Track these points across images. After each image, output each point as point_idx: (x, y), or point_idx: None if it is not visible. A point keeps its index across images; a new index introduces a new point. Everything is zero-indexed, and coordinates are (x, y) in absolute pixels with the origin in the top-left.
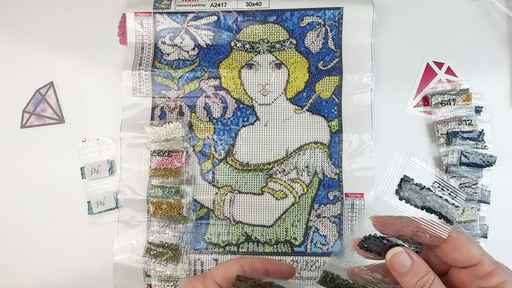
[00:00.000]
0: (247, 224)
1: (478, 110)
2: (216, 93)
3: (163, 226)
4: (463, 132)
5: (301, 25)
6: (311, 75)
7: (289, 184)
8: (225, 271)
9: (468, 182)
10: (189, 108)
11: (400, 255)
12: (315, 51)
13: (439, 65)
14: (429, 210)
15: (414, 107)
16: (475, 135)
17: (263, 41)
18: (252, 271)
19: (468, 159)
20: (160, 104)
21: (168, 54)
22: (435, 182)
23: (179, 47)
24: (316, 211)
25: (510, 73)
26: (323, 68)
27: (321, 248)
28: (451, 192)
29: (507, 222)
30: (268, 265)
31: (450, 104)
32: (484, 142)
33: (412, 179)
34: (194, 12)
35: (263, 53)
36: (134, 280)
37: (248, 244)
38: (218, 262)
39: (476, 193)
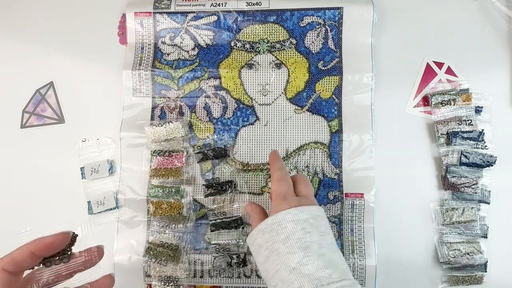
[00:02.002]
0: (247, 224)
1: (478, 110)
2: (216, 93)
3: (163, 226)
4: (463, 132)
5: (301, 25)
6: (311, 75)
7: None
8: (12, 257)
9: (468, 182)
10: (189, 108)
11: None
12: (315, 51)
13: (439, 65)
14: None
15: (414, 107)
16: (475, 135)
17: (263, 41)
18: (41, 251)
19: (468, 159)
20: (160, 104)
21: (168, 54)
22: None
23: (179, 47)
24: None
25: (510, 73)
26: (323, 68)
27: None
28: None
29: (507, 222)
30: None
31: (450, 104)
32: (484, 142)
33: None
34: (194, 12)
35: (263, 53)
36: (134, 280)
37: None
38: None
39: (476, 193)
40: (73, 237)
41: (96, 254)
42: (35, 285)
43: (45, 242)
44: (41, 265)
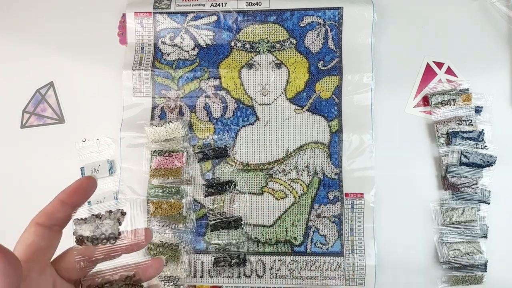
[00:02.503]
0: (247, 224)
1: (478, 110)
2: (216, 93)
3: (163, 226)
4: (463, 132)
5: (301, 25)
6: (311, 75)
7: (289, 184)
8: (44, 211)
9: (468, 182)
10: (189, 108)
11: None
12: (315, 51)
13: (439, 65)
14: None
15: (414, 107)
16: (475, 135)
17: (263, 41)
18: (70, 198)
19: (468, 159)
20: (160, 104)
21: (168, 54)
22: None
23: (179, 47)
24: (316, 211)
25: (510, 73)
26: (323, 68)
27: (321, 248)
28: None
29: (507, 222)
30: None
31: (450, 104)
32: (484, 142)
33: None
34: (194, 12)
35: (263, 53)
36: None
37: (248, 244)
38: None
39: (476, 193)
40: (121, 215)
41: (143, 238)
42: (82, 262)
43: (71, 188)
44: (90, 244)
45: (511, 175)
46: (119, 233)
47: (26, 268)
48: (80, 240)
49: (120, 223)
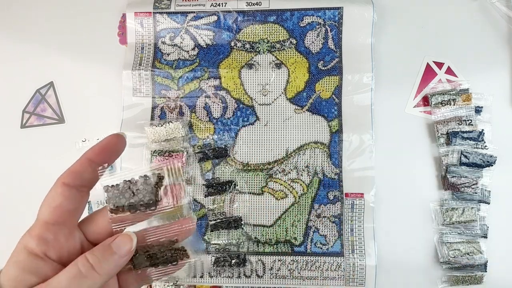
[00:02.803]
0: (247, 224)
1: (478, 110)
2: (216, 93)
3: None
4: (463, 132)
5: (301, 25)
6: (311, 75)
7: (289, 184)
8: (71, 169)
9: (468, 182)
10: (189, 108)
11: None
12: (315, 51)
13: (439, 65)
14: None
15: (414, 107)
16: (475, 135)
17: (263, 41)
18: (98, 156)
19: (468, 159)
20: (160, 104)
21: (168, 54)
22: None
23: (179, 47)
24: (316, 211)
25: (510, 73)
26: (323, 68)
27: (321, 248)
28: None
29: (507, 222)
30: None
31: (450, 104)
32: (484, 142)
33: None
34: (194, 12)
35: (263, 53)
36: None
37: (248, 244)
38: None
39: (476, 193)
40: (158, 179)
41: (185, 201)
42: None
43: (99, 146)
44: (127, 213)
45: (511, 175)
46: (157, 200)
47: (53, 231)
48: (115, 209)
49: (158, 189)
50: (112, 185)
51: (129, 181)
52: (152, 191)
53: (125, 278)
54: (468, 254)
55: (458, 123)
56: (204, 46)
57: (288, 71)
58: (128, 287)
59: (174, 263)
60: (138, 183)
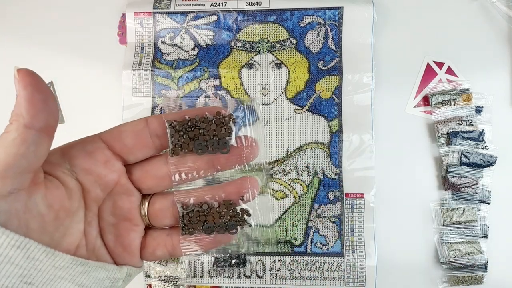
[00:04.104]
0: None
1: (478, 110)
2: (216, 93)
3: None
4: (464, 132)
5: (301, 24)
6: (311, 75)
7: (289, 184)
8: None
9: (468, 182)
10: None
11: None
12: (315, 51)
13: (440, 65)
14: None
15: (415, 107)
16: (475, 135)
17: (263, 41)
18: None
19: (469, 159)
20: (160, 104)
21: (168, 54)
22: None
23: (179, 47)
24: (316, 211)
25: (510, 73)
26: (323, 68)
27: (321, 248)
28: None
29: (508, 222)
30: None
31: (451, 104)
32: (485, 142)
33: None
34: (194, 12)
35: (263, 53)
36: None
37: (248, 244)
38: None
39: (476, 193)
40: (231, 119)
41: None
42: (178, 175)
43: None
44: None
45: None
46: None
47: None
48: (177, 149)
49: (231, 130)
50: (177, 121)
51: (194, 119)
52: (227, 131)
53: (154, 237)
54: (468, 254)
55: (458, 123)
56: (204, 46)
57: (288, 71)
58: (154, 251)
59: (233, 230)
60: (207, 121)
